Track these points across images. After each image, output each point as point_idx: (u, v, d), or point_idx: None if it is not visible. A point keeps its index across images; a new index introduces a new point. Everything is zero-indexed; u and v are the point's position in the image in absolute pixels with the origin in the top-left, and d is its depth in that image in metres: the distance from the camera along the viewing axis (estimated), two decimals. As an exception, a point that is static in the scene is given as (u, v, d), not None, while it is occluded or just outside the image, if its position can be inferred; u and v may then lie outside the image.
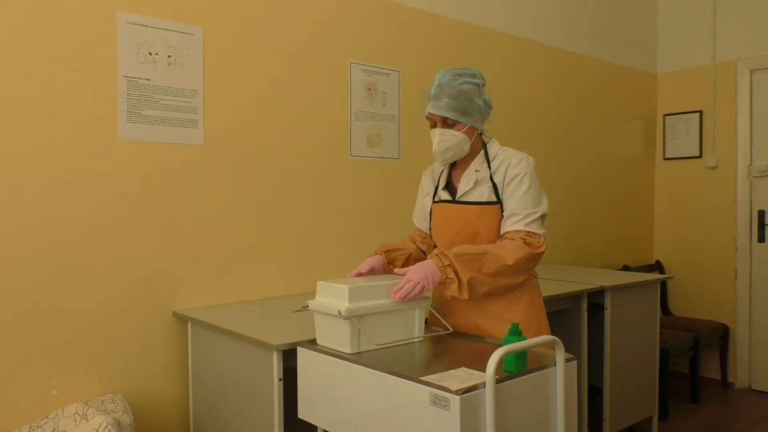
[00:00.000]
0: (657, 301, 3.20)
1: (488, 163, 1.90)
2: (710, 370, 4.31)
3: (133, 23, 2.18)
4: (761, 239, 4.11)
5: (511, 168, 1.85)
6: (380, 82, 2.93)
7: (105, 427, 1.76)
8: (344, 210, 2.81)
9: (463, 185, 1.91)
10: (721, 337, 4.18)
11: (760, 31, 4.10)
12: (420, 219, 2.10)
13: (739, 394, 4.06)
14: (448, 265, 1.70)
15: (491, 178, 1.86)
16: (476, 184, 1.88)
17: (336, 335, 1.63)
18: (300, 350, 1.72)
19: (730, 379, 4.23)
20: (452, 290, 1.70)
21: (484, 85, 1.89)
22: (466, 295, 1.70)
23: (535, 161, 1.89)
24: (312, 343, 1.72)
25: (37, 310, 2.00)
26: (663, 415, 3.49)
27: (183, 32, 2.30)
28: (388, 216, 2.99)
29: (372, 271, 1.87)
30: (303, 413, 1.71)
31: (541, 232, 1.81)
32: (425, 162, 3.14)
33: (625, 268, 4.25)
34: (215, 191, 2.40)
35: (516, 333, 1.45)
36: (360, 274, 1.85)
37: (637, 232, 4.50)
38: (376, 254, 1.95)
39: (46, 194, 2.02)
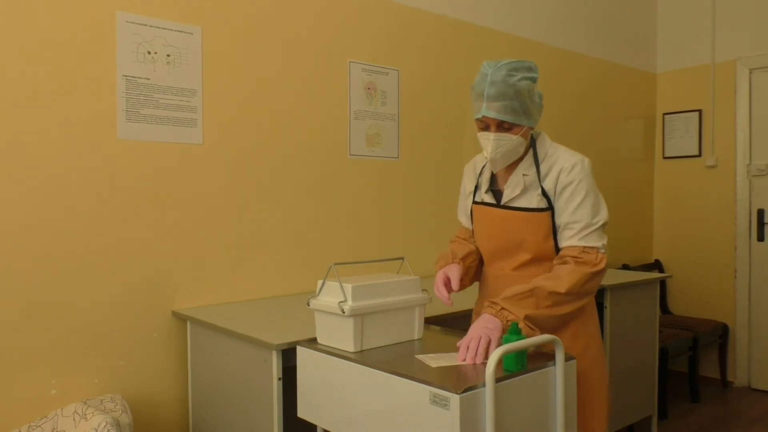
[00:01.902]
0: (656, 300, 3.20)
1: (537, 166, 1.71)
2: (709, 369, 4.31)
3: (132, 22, 2.18)
4: (760, 238, 4.11)
5: (564, 174, 1.66)
6: (380, 81, 2.93)
7: (104, 427, 1.76)
8: (343, 209, 2.81)
9: (510, 190, 1.72)
10: (720, 336, 4.18)
11: (760, 30, 4.10)
12: (465, 217, 1.93)
13: (739, 393, 4.07)
14: (502, 309, 1.56)
15: (540, 185, 1.69)
16: (524, 189, 1.69)
17: (338, 334, 1.63)
18: (299, 349, 1.72)
19: (730, 378, 4.23)
20: (527, 332, 1.54)
21: (538, 78, 1.69)
22: (538, 332, 1.54)
23: (591, 162, 1.72)
24: (311, 342, 1.71)
25: (36, 309, 2.00)
26: (662, 414, 3.50)
27: (182, 31, 2.30)
28: (388, 215, 2.99)
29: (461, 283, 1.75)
30: (302, 412, 1.71)
31: (600, 243, 1.64)
32: (425, 162, 3.15)
33: (625, 267, 4.26)
34: (214, 190, 2.40)
35: (515, 332, 1.45)
36: (449, 287, 1.72)
37: (636, 231, 4.51)
38: (453, 263, 1.78)
39: (45, 193, 2.02)
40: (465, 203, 1.92)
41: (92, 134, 2.10)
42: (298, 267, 2.63)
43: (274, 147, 2.57)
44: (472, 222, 1.86)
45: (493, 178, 1.80)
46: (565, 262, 1.64)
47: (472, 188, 1.86)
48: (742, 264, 4.19)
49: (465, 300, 2.36)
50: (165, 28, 2.25)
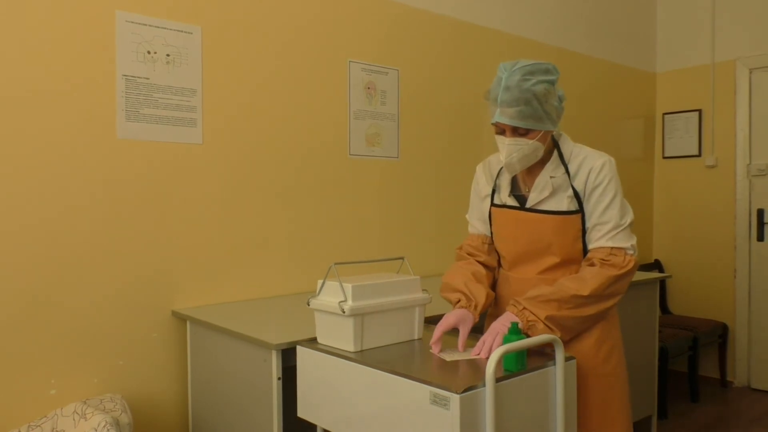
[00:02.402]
0: (656, 299, 3.20)
1: (565, 166, 1.67)
2: (709, 369, 4.31)
3: (132, 22, 2.18)
4: (760, 238, 4.11)
5: (594, 174, 1.63)
6: (379, 81, 2.93)
7: (104, 426, 1.76)
8: (343, 209, 2.81)
9: (537, 193, 1.67)
10: (720, 335, 4.18)
11: (760, 30, 4.10)
12: (480, 222, 1.85)
13: (738, 393, 4.07)
14: (524, 309, 1.57)
15: (571, 185, 1.65)
16: (553, 191, 1.65)
17: (338, 333, 1.63)
18: (299, 349, 1.71)
19: (729, 378, 4.23)
20: (542, 331, 1.55)
21: (558, 78, 1.64)
22: (558, 333, 1.53)
23: (615, 161, 1.68)
24: (311, 342, 1.71)
25: (36, 309, 2.00)
26: (662, 414, 3.50)
27: (182, 31, 2.29)
28: (388, 215, 2.99)
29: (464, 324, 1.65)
30: (302, 412, 1.71)
31: (628, 244, 1.63)
32: (425, 161, 3.15)
33: (624, 267, 4.25)
34: (214, 190, 2.40)
35: (515, 332, 1.45)
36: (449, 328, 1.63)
37: (636, 231, 4.48)
38: (468, 313, 1.67)
39: (44, 193, 2.01)
40: (481, 207, 1.84)
41: (92, 134, 2.10)
42: (297, 266, 2.63)
43: (274, 147, 2.57)
44: (490, 225, 1.80)
45: (513, 180, 1.75)
46: (591, 264, 1.62)
47: (489, 190, 1.80)
48: (742, 264, 4.19)
49: (465, 300, 2.36)
50: (165, 28, 2.25)
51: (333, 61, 2.76)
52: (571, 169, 1.67)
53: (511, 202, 1.73)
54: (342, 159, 2.80)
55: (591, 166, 1.65)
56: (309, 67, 2.67)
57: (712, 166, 4.31)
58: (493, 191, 1.79)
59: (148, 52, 2.21)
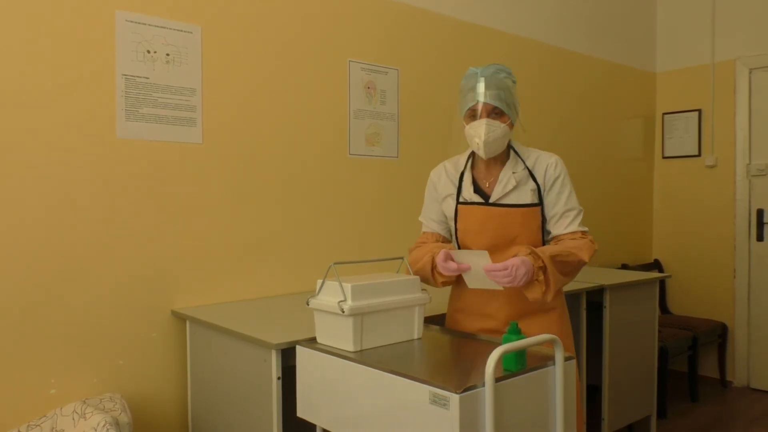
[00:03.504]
0: (656, 299, 3.20)
1: (523, 163, 1.87)
2: (709, 368, 4.31)
3: (132, 21, 2.18)
4: (760, 238, 4.12)
5: (551, 168, 1.85)
6: (379, 80, 2.93)
7: (103, 426, 1.76)
8: (343, 209, 2.81)
9: (501, 186, 1.85)
10: (719, 335, 4.18)
11: (759, 29, 4.10)
12: (435, 223, 2.00)
13: (738, 393, 4.07)
14: (541, 267, 1.68)
15: (532, 178, 1.84)
16: (516, 185, 1.84)
17: (338, 333, 1.63)
18: (299, 349, 1.71)
19: (729, 378, 4.23)
20: (536, 292, 1.69)
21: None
22: (549, 298, 1.71)
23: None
24: (311, 342, 1.71)
25: (35, 309, 2.00)
26: (661, 413, 3.50)
27: (181, 30, 2.29)
28: (387, 215, 2.99)
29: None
30: (302, 412, 1.71)
31: (586, 228, 1.86)
32: (424, 161, 3.14)
33: (624, 266, 4.26)
34: (214, 190, 2.40)
35: (515, 332, 1.45)
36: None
37: (635, 231, 4.51)
38: (443, 247, 1.84)
39: (44, 192, 2.01)
40: (438, 208, 1.98)
41: (92, 133, 2.10)
42: (297, 266, 2.63)
43: (274, 146, 2.57)
44: (456, 223, 1.91)
45: (473, 181, 1.91)
46: (574, 238, 1.81)
47: (451, 190, 1.93)
48: (742, 264, 4.19)
49: (464, 299, 2.36)
50: (164, 27, 2.25)
51: (333, 60, 2.76)
52: (528, 165, 1.86)
53: (476, 199, 1.88)
54: (342, 159, 2.80)
55: (547, 162, 1.86)
56: (309, 67, 2.67)
57: (712, 166, 4.31)
58: (459, 191, 1.91)
59: (148, 52, 2.21)
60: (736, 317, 4.21)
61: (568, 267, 1.75)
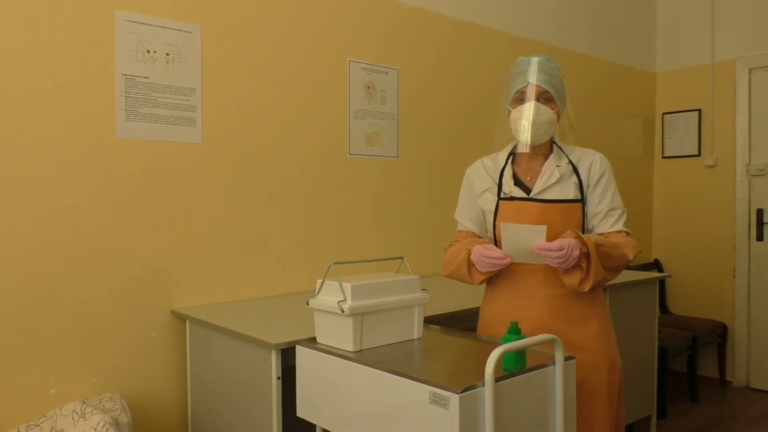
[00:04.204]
0: (655, 299, 3.20)
1: (567, 158, 1.80)
2: (708, 368, 4.31)
3: (132, 21, 2.17)
4: (759, 238, 4.12)
5: (596, 165, 1.79)
6: (379, 80, 2.93)
7: (103, 426, 1.75)
8: (342, 209, 2.81)
9: (544, 179, 1.77)
10: (719, 335, 4.18)
11: (759, 29, 4.10)
12: (470, 221, 1.92)
13: (738, 393, 4.07)
14: (586, 253, 1.63)
15: (577, 174, 1.78)
16: (560, 179, 1.77)
17: (337, 333, 1.63)
18: (299, 349, 1.71)
19: (729, 378, 4.23)
20: (574, 278, 1.65)
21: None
22: (586, 288, 1.66)
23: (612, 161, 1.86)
24: (311, 342, 1.71)
25: (35, 308, 2.00)
26: (661, 413, 3.49)
27: (181, 30, 2.29)
28: (387, 215, 2.98)
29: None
30: (302, 412, 1.71)
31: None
32: (424, 161, 3.15)
33: (624, 266, 4.25)
34: (213, 190, 2.40)
35: (515, 331, 1.45)
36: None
37: (635, 231, 4.46)
38: (479, 241, 1.81)
39: (44, 192, 2.01)
40: (474, 205, 1.90)
41: (91, 133, 2.10)
42: (297, 266, 2.63)
43: (274, 146, 2.57)
44: (495, 218, 1.82)
45: (514, 174, 1.84)
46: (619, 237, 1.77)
47: (490, 185, 1.85)
48: (741, 263, 4.19)
49: (464, 299, 2.36)
50: (164, 27, 2.25)
51: (332, 60, 2.76)
52: (573, 160, 1.81)
53: (518, 192, 1.80)
54: (341, 158, 2.80)
55: (591, 158, 1.81)
56: (308, 67, 2.67)
57: (712, 166, 4.31)
58: (498, 186, 1.84)
59: (148, 52, 2.21)
60: (735, 317, 4.21)
61: (612, 261, 1.70)
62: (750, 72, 4.15)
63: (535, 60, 1.77)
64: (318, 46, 2.70)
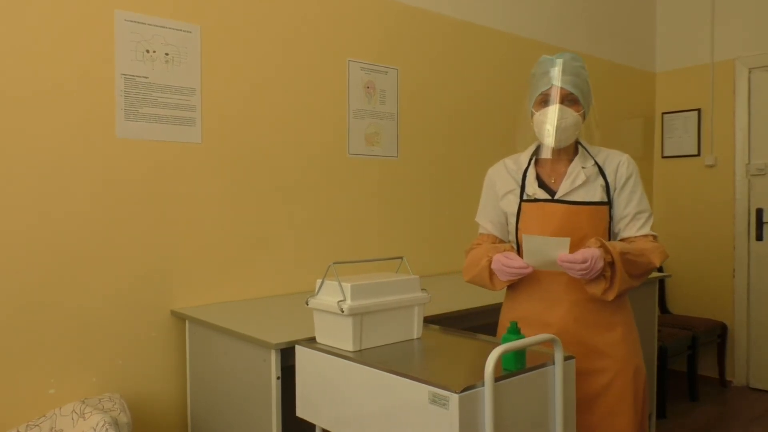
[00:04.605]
0: (655, 299, 3.20)
1: (593, 159, 1.76)
2: (708, 368, 4.31)
3: (131, 21, 2.17)
4: (759, 237, 4.12)
5: (623, 167, 1.74)
6: (379, 80, 2.93)
7: (102, 426, 1.75)
8: (342, 209, 2.81)
9: (569, 181, 1.72)
10: (719, 335, 4.19)
11: (759, 29, 4.10)
12: (491, 224, 1.87)
13: (737, 393, 4.07)
14: (610, 263, 1.58)
15: (603, 176, 1.73)
16: (586, 181, 1.71)
17: (337, 333, 1.63)
18: (298, 348, 1.71)
19: (728, 378, 4.23)
20: (598, 288, 1.60)
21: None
22: (610, 297, 1.61)
23: None
24: (310, 342, 1.71)
25: (34, 308, 2.00)
26: (661, 413, 3.50)
27: (181, 30, 2.29)
28: (387, 215, 2.98)
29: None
30: (301, 411, 1.71)
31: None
32: (424, 161, 3.15)
33: (624, 266, 4.25)
34: (213, 189, 2.40)
35: (514, 331, 1.45)
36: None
37: (635, 231, 4.50)
38: (503, 248, 1.76)
39: (43, 192, 2.01)
40: (495, 207, 1.85)
41: (91, 133, 2.10)
42: (296, 266, 2.63)
43: (273, 146, 2.57)
44: (517, 221, 1.78)
45: (538, 176, 1.79)
46: (646, 242, 1.71)
47: (513, 186, 1.81)
48: (741, 263, 4.19)
49: (464, 299, 2.36)
50: (164, 27, 2.25)
51: (332, 60, 2.76)
52: (599, 161, 1.76)
53: (542, 194, 1.75)
54: (341, 158, 2.80)
55: (618, 160, 1.75)
56: (308, 66, 2.67)
57: (711, 166, 4.32)
58: (521, 188, 1.79)
59: (147, 51, 2.21)
60: (735, 317, 4.21)
61: (638, 269, 1.64)
62: (749, 72, 4.15)
63: (559, 61, 1.71)
64: (318, 46, 2.70)
